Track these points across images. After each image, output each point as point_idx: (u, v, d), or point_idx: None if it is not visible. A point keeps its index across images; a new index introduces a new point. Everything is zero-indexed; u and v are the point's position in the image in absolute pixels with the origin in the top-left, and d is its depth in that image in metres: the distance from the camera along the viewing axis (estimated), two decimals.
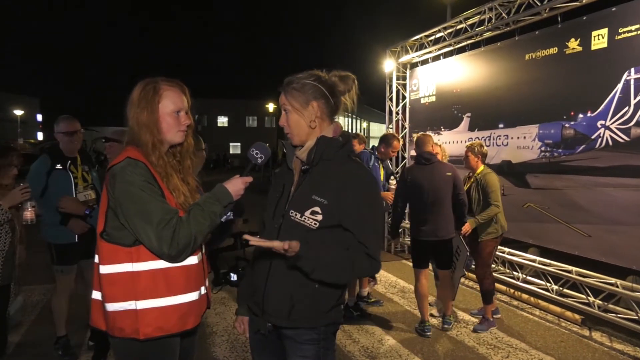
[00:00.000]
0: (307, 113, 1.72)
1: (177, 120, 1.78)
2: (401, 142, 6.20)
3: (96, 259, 1.73)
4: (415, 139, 4.54)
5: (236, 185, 1.73)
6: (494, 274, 5.62)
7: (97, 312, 1.77)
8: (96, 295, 1.76)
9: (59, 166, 3.45)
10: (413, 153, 4.99)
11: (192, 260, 1.73)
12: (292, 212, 1.69)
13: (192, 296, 1.73)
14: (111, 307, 1.68)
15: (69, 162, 3.51)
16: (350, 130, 43.05)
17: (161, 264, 1.66)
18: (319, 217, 1.65)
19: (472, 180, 4.53)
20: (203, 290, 1.82)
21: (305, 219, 1.66)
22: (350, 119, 44.36)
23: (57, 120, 3.55)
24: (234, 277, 5.28)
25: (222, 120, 52.43)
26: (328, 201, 1.65)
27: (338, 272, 1.64)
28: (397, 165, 7.83)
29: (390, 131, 7.90)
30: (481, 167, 4.51)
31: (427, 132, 5.89)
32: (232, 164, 38.97)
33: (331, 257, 1.62)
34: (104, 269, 1.69)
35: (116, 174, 1.65)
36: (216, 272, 5.59)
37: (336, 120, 1.82)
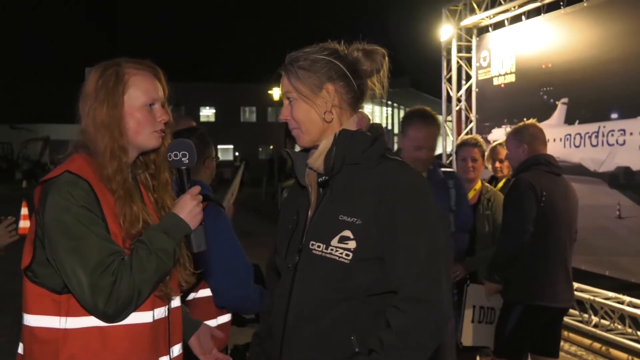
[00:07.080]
0: (321, 101, 1.75)
1: (150, 116, 1.85)
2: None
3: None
4: (521, 130, 3.89)
5: (187, 207, 1.81)
6: (609, 333, 5.55)
7: None
8: (21, 349, 1.87)
9: None
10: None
11: (144, 317, 1.79)
12: (312, 244, 1.72)
13: None
14: None
15: None
16: (388, 127, 43.06)
17: (99, 320, 1.73)
18: (352, 245, 1.66)
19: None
20: None
21: (332, 250, 1.68)
22: (388, 109, 44.42)
23: None
24: None
25: (207, 113, 53.08)
26: (363, 220, 1.67)
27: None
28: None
29: (449, 126, 7.82)
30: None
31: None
32: (222, 175, 38.54)
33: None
34: (28, 320, 1.79)
35: (48, 194, 1.73)
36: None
37: (361, 110, 1.85)
